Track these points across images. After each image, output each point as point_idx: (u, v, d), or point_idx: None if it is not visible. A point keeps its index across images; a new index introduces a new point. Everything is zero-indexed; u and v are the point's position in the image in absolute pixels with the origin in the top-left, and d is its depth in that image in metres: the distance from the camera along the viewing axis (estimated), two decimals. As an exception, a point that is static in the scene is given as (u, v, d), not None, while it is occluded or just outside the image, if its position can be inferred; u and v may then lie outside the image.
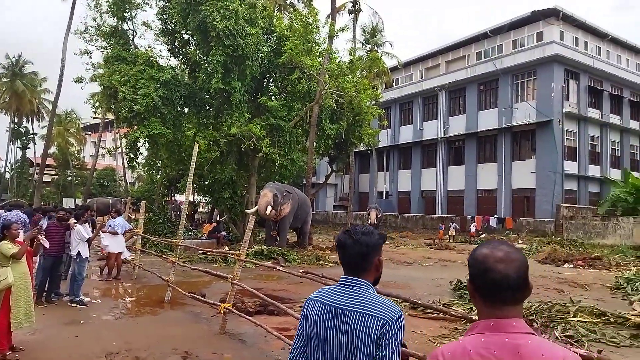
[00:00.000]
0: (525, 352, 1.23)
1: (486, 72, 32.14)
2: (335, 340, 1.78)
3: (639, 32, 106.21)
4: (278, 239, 16.31)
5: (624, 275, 12.17)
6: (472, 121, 33.18)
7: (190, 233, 18.13)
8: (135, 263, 10.83)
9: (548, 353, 1.22)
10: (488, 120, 32.13)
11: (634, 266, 14.91)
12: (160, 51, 28.75)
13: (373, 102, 23.09)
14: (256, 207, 15.91)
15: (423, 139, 37.16)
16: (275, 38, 18.51)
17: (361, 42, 37.37)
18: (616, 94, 32.27)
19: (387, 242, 24.31)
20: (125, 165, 21.09)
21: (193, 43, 17.67)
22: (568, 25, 29.87)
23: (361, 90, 19.08)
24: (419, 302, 3.32)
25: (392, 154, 40.59)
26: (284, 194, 16.11)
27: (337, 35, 19.42)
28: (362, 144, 25.13)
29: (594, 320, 6.85)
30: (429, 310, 6.29)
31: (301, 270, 5.18)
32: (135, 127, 16.87)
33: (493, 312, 1.32)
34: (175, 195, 27.77)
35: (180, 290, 7.88)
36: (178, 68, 19.60)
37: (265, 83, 19.67)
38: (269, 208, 15.30)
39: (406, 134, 38.99)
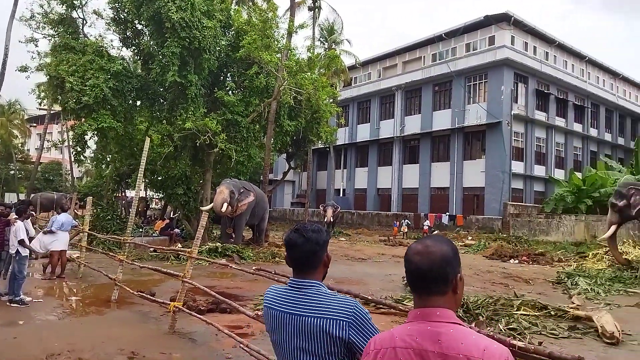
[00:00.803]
0: (445, 340, 1.28)
1: (441, 73, 33.05)
2: (297, 348, 1.75)
3: (581, 39, 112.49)
4: (233, 236, 16.10)
5: (564, 271, 12.85)
6: (427, 121, 34.04)
7: (141, 230, 17.56)
8: (80, 261, 10.38)
9: (468, 342, 1.26)
10: (442, 120, 33.07)
11: (574, 262, 15.74)
12: (112, 41, 27.60)
13: (331, 100, 23.20)
14: (212, 204, 15.63)
15: (380, 138, 37.76)
16: (233, 32, 18.20)
17: (320, 40, 37.45)
18: (561, 97, 34.01)
19: (343, 239, 24.59)
20: (72, 159, 20.17)
21: (147, 34, 17.09)
22: (518, 30, 31.15)
23: (319, 87, 19.09)
24: (370, 297, 3.36)
25: (350, 151, 41.00)
26: (241, 190, 15.91)
27: (296, 32, 19.36)
28: (320, 142, 25.21)
29: (536, 314, 7.19)
30: (381, 306, 6.39)
31: (254, 268, 5.13)
32: (83, 119, 16.16)
33: (420, 302, 1.39)
34: (126, 191, 26.85)
35: (128, 289, 7.62)
36: (130, 59, 18.92)
37: (222, 77, 19.32)
38: (226, 205, 15.06)
39: (363, 133, 39.48)
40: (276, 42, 18.16)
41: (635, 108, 41.57)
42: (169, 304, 6.13)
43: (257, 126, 19.11)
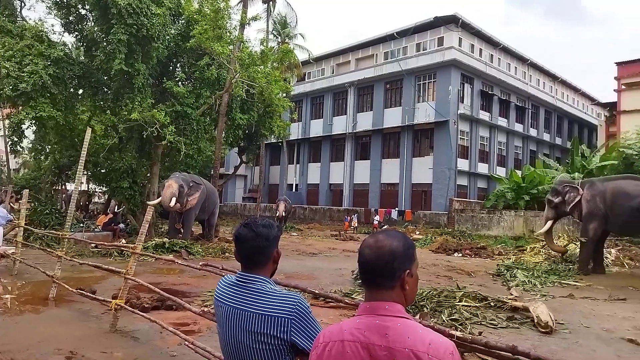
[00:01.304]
0: (392, 334, 1.30)
1: (392, 71, 33.72)
2: (240, 342, 1.73)
3: (523, 43, 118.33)
4: (182, 231, 15.71)
5: (504, 263, 13.50)
6: (378, 118, 34.65)
7: (82, 225, 16.77)
8: (16, 257, 9.76)
9: (414, 336, 1.28)
10: (393, 117, 33.77)
11: (513, 255, 16.59)
12: (53, 26, 26.08)
13: (284, 95, 23.10)
14: (159, 198, 15.17)
15: (333, 134, 38.03)
16: (183, 21, 17.69)
17: (273, 34, 37.15)
18: (504, 98, 35.62)
19: (295, 234, 24.62)
20: (8, 149, 18.89)
21: (91, 19, 16.26)
22: (466, 32, 32.27)
23: (272, 81, 18.97)
24: (316, 291, 3.38)
25: (303, 147, 41.02)
26: (191, 184, 15.54)
27: (249, 24, 19.10)
28: (272, 136, 25.06)
29: (477, 305, 7.50)
30: (330, 300, 6.46)
31: (201, 263, 5.02)
32: (21, 107, 15.19)
33: (370, 296, 1.40)
34: (66, 183, 25.53)
35: (67, 286, 7.25)
36: (72, 45, 17.96)
37: (171, 67, 18.75)
38: (174, 200, 14.67)
39: (317, 128, 39.61)
40: (228, 34, 17.85)
41: (572, 110, 44.25)
42: (111, 302, 5.89)
43: (208, 119, 18.71)
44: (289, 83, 27.68)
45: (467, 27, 32.01)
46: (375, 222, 28.82)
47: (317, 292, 3.19)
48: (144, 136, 15.51)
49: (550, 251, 14.95)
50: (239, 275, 1.84)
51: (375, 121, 34.83)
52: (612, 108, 37.96)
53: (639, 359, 5.36)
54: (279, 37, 37.84)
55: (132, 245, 6.07)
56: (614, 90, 35.49)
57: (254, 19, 19.01)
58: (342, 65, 39.21)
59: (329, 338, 1.40)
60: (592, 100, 47.50)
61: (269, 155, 43.12)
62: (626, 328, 6.74)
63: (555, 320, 6.72)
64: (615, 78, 35.32)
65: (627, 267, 14.51)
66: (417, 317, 5.77)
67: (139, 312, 5.80)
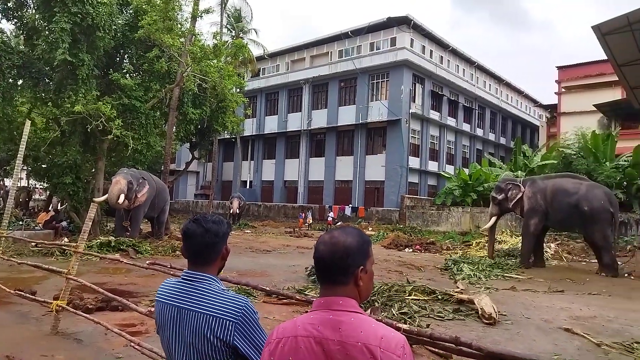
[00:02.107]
0: (345, 328, 1.30)
1: (346, 70, 34.02)
2: (185, 343, 1.68)
3: (471, 46, 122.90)
4: (130, 229, 15.17)
5: (451, 258, 14.01)
6: (333, 116, 34.90)
7: (21, 223, 15.83)
8: (-56, 259, 9.06)
9: (367, 330, 1.30)
10: (347, 115, 34.13)
11: (460, 250, 17.23)
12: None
13: (238, 90, 22.78)
14: (106, 195, 14.56)
15: (287, 130, 37.93)
16: (131, 11, 17.00)
17: (227, 27, 36.52)
18: (453, 99, 36.83)
19: (248, 231, 24.38)
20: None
21: (32, 6, 15.30)
22: (417, 34, 33.07)
23: (226, 76, 18.61)
24: (267, 288, 3.36)
25: (257, 143, 40.66)
26: (140, 181, 15.01)
27: (201, 17, 18.63)
28: (226, 132, 24.66)
29: (426, 298, 7.74)
30: (283, 296, 6.44)
31: (148, 262, 4.87)
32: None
33: (325, 291, 1.41)
34: (5, 179, 23.98)
35: (4, 287, 6.83)
36: (12, 33, 16.86)
37: (118, 59, 17.98)
38: (122, 197, 14.12)
39: (271, 124, 39.37)
40: (179, 26, 17.34)
41: (516, 111, 46.41)
42: (52, 303, 5.60)
43: (158, 113, 18.11)
44: (243, 78, 27.34)
45: (419, 28, 32.80)
46: (330, 219, 29.04)
47: (268, 289, 3.18)
48: (89, 130, 14.81)
49: (497, 245, 15.63)
50: (185, 272, 1.79)
51: (330, 119, 35.06)
52: (552, 110, 40.19)
53: (574, 346, 5.70)
54: (233, 32, 37.26)
55: (75, 244, 5.80)
56: (555, 93, 37.59)
57: (207, 11, 18.57)
58: (297, 62, 39.15)
59: (282, 334, 1.39)
60: (534, 102, 50.05)
61: (222, 151, 42.43)
62: (563, 318, 7.16)
63: (499, 311, 7.04)
64: (556, 81, 37.39)
65: (565, 260, 15.43)
66: (369, 311, 5.88)
67: (82, 313, 5.55)
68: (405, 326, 2.22)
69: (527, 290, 9.57)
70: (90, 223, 5.73)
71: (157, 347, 4.03)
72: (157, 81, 17.04)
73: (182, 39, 17.19)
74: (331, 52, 36.44)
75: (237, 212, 27.58)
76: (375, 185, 32.65)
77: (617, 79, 17.34)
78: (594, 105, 29.68)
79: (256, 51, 37.11)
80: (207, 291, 1.71)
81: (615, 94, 29.31)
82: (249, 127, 39.39)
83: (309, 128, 36.39)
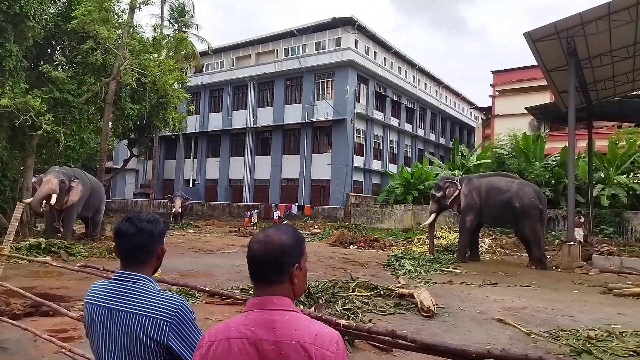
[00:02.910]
0: (279, 327, 1.29)
1: (292, 68, 34.02)
2: (116, 346, 1.61)
3: (412, 50, 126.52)
4: (62, 230, 14.31)
5: (394, 254, 14.39)
6: (279, 114, 34.77)
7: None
8: None
9: (301, 328, 1.29)
10: (293, 114, 34.13)
11: (402, 246, 17.74)
12: None
13: (180, 85, 22.08)
14: (37, 195, 13.64)
15: (232, 128, 37.36)
16: (64, 0, 16.05)
17: (169, 21, 35.37)
18: (396, 100, 37.84)
19: (192, 231, 23.77)
20: None
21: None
22: (362, 35, 33.64)
23: (166, 70, 17.98)
24: (207, 289, 3.29)
25: (201, 140, 39.73)
26: (72, 179, 14.20)
27: (139, 8, 17.86)
28: (167, 129, 23.87)
29: (369, 294, 7.90)
30: (226, 297, 6.33)
31: (79, 264, 4.60)
32: None
33: (259, 291, 1.39)
34: None
35: None
36: None
37: (50, 50, 16.92)
38: (54, 196, 13.29)
39: (215, 122, 38.60)
40: (116, 17, 16.57)
41: (454, 113, 48.44)
42: (-29, 312, 5.17)
43: (93, 108, 17.21)
44: (186, 74, 26.56)
45: (363, 30, 33.38)
46: (276, 217, 28.91)
47: (208, 289, 3.11)
48: (16, 125, 13.83)
49: (436, 241, 16.25)
50: (117, 273, 1.72)
51: (276, 117, 34.90)
52: (487, 112, 42.31)
53: (506, 336, 6.03)
54: (176, 25, 36.09)
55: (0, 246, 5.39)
56: (490, 96, 39.61)
57: (146, 3, 17.82)
58: (242, 59, 38.62)
59: (214, 337, 1.35)
60: (471, 104, 52.46)
61: (164, 149, 41.11)
62: (496, 309, 7.55)
63: (437, 304, 7.31)
64: (490, 85, 39.40)
65: (498, 254, 16.32)
66: (313, 308, 5.90)
67: (8, 320, 5.17)
68: (344, 322, 2.25)
69: (464, 284, 10.02)
70: (17, 223, 5.34)
71: (90, 352, 3.83)
72: (91, 74, 16.19)
73: (119, 31, 16.45)
74: (277, 50, 36.27)
75: (180, 211, 26.84)
76: (321, 184, 32.90)
77: (547, 83, 18.52)
78: (525, 108, 31.46)
79: (200, 46, 36.23)
80: (140, 291, 1.65)
81: (544, 98, 31.23)
82: (192, 124, 38.39)
83: (255, 126, 36.03)
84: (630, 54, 15.64)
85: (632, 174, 23.11)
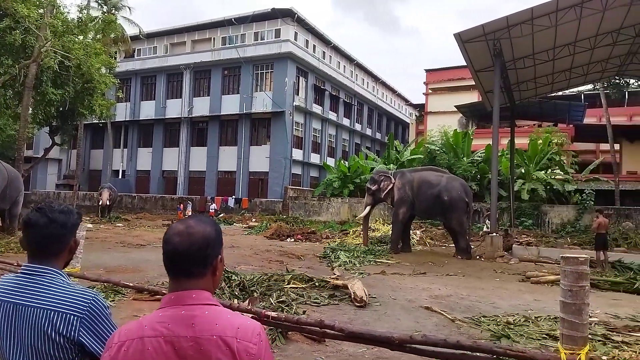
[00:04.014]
0: (199, 322, 1.24)
1: (230, 58, 33.26)
2: (23, 344, 1.48)
3: (350, 45, 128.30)
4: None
5: (330, 246, 14.61)
6: (216, 104, 33.93)
7: None
8: None
9: (223, 322, 1.25)
10: (231, 104, 33.43)
11: (338, 238, 18.05)
12: None
13: (108, 70, 20.87)
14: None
15: (166, 117, 35.97)
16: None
17: (97, 2, 33.23)
18: (335, 94, 38.22)
19: (120, 225, 22.66)
20: None
21: None
22: (301, 27, 33.56)
23: (93, 54, 16.96)
24: (131, 284, 3.14)
25: (132, 129, 37.89)
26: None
27: (64, -14, 16.68)
28: (93, 116, 22.51)
29: (304, 286, 7.96)
30: (155, 292, 6.11)
31: (-11, 260, 4.24)
32: None
33: (177, 286, 1.32)
34: None
35: None
36: None
37: (-42, 26, 15.35)
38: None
39: (148, 110, 36.95)
40: (37, -6, 15.36)
41: (390, 109, 49.79)
42: None
43: (11, 92, 15.92)
44: (115, 58, 25.17)
45: (302, 22, 33.31)
46: (212, 210, 28.30)
47: (132, 285, 2.96)
48: None
49: (371, 233, 16.67)
50: (25, 266, 1.59)
51: (213, 107, 34.03)
52: (421, 109, 43.89)
53: (432, 323, 6.32)
54: (104, 7, 33.97)
55: None
56: (423, 93, 41.11)
57: (71, -19, 16.70)
58: (177, 46, 37.20)
59: (125, 337, 1.26)
60: (406, 101, 54.16)
61: (90, 138, 38.85)
62: (424, 297, 7.89)
63: (369, 294, 7.52)
64: (424, 83, 40.89)
65: (428, 245, 17.06)
66: (247, 302, 5.85)
67: None
68: (273, 314, 2.24)
69: (395, 274, 10.37)
70: None
71: None
72: (9, 55, 14.92)
73: (41, 10, 15.26)
74: (214, 38, 35.28)
75: (108, 204, 25.48)
76: (260, 177, 32.60)
77: (474, 83, 19.51)
78: (455, 106, 33.07)
79: (131, 30, 34.37)
80: (50, 285, 1.54)
81: (473, 97, 32.95)
82: (122, 112, 36.51)
83: (190, 116, 34.92)
84: (550, 57, 16.87)
85: (549, 170, 25.02)
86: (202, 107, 34.60)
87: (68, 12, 17.72)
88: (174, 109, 35.67)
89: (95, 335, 1.50)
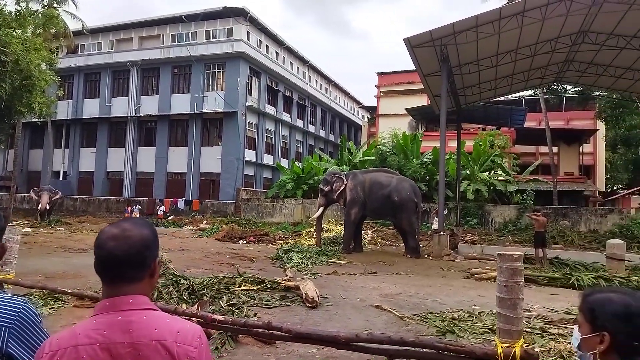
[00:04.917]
0: (136, 328, 1.21)
1: (180, 56, 32.45)
2: None
3: (303, 47, 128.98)
4: None
5: (282, 248, 14.56)
6: (165, 103, 32.99)
7: None
8: None
9: (162, 326, 1.23)
10: (181, 104, 32.61)
11: (291, 239, 18.02)
12: None
13: (48, 67, 19.78)
14: None
15: (111, 116, 34.59)
16: None
17: (37, -7, 31.42)
18: (288, 95, 38.18)
19: (61, 229, 21.55)
20: None
21: None
22: (254, 27, 33.27)
23: (32, 49, 16.02)
24: (69, 291, 3.00)
25: (74, 129, 36.14)
26: None
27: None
28: (32, 114, 21.24)
29: (255, 288, 7.88)
30: (97, 299, 5.85)
31: None
32: None
33: (111, 291, 1.27)
34: None
35: None
36: None
37: None
38: None
39: (91, 108, 35.37)
40: (-32, -17, 14.33)
41: (343, 111, 50.31)
42: None
43: (-64, 86, 14.73)
44: (56, 54, 23.91)
45: (255, 22, 33.04)
46: (160, 213, 27.50)
47: (70, 291, 2.83)
48: None
49: (324, 234, 16.77)
50: None
51: (162, 106, 33.04)
52: (373, 111, 44.79)
53: (382, 321, 6.44)
54: (46, 0, 32.20)
55: None
56: (375, 96, 41.92)
57: (7, -30, 15.69)
58: (124, 42, 35.84)
59: (57, 346, 1.21)
60: (358, 103, 54.98)
61: (29, 137, 36.74)
62: (375, 296, 8.03)
63: (321, 295, 7.55)
64: (376, 86, 41.68)
65: (379, 245, 17.38)
66: (196, 306, 5.72)
67: None
68: (220, 317, 2.21)
69: (347, 274, 10.49)
70: None
71: None
72: None
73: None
74: (163, 35, 34.28)
75: (47, 207, 24.19)
76: (211, 178, 31.99)
77: (424, 87, 20.11)
78: (405, 109, 34.00)
79: (73, 25, 32.75)
80: None
81: (422, 100, 33.99)
82: (64, 110, 34.73)
83: (138, 115, 33.74)
84: (494, 63, 17.66)
85: (492, 172, 26.19)
86: (150, 106, 33.51)
87: (5, 4, 16.65)
88: (120, 107, 34.35)
89: (25, 346, 1.42)
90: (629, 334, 1.32)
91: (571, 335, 5.54)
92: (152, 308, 1.28)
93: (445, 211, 18.07)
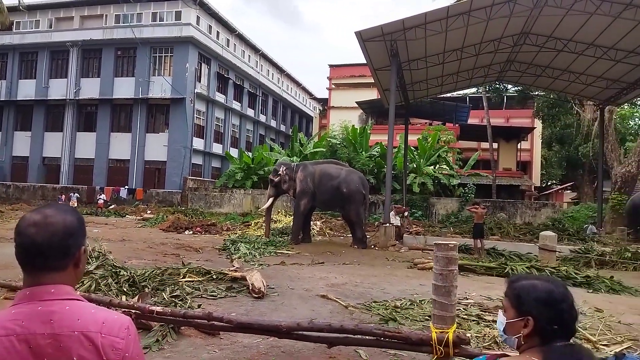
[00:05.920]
0: (58, 318, 1.17)
1: (125, 37, 31.01)
2: None
3: (254, 36, 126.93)
4: None
5: (230, 238, 14.38)
6: (107, 86, 31.48)
7: None
8: None
9: (86, 317, 1.19)
10: (124, 88, 31.24)
11: (239, 230, 17.83)
12: None
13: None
14: None
15: (48, 98, 32.62)
16: None
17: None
18: (239, 83, 37.53)
19: (-9, 217, 20.15)
20: None
21: None
22: (204, 12, 32.34)
23: (-43, 22, 14.77)
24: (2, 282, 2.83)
25: (7, 111, 33.83)
26: None
27: None
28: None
29: (200, 279, 7.74)
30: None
31: None
32: None
33: (32, 280, 1.22)
34: None
35: None
36: None
37: None
38: None
39: (27, 90, 33.17)
40: None
41: (295, 102, 50.18)
42: None
43: None
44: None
45: (205, 6, 32.13)
46: (101, 202, 26.34)
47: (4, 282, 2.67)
48: None
49: (273, 225, 16.73)
50: None
51: (104, 89, 31.49)
52: (324, 103, 44.97)
53: (328, 310, 6.54)
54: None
55: None
56: (327, 88, 42.05)
57: None
58: (63, 21, 33.78)
59: None
60: (310, 94, 55.02)
61: (-45, 118, 33.91)
62: (321, 286, 8.13)
63: (268, 285, 7.55)
64: (327, 78, 41.82)
65: (328, 236, 17.57)
66: (137, 298, 5.56)
67: None
68: (158, 308, 2.17)
69: (295, 264, 10.54)
70: None
71: None
72: None
73: None
74: (106, 15, 32.59)
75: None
76: (156, 166, 30.98)
77: (374, 80, 20.41)
78: (356, 102, 34.40)
79: (10, 1, 30.45)
80: None
81: (373, 94, 34.49)
82: (-4, 91, 32.40)
83: (77, 98, 32.00)
84: (440, 60, 18.21)
85: (437, 166, 27.12)
86: (91, 89, 31.86)
87: None
88: (58, 89, 32.44)
89: None
90: (550, 318, 1.40)
91: (502, 322, 5.90)
92: (76, 298, 1.24)
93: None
